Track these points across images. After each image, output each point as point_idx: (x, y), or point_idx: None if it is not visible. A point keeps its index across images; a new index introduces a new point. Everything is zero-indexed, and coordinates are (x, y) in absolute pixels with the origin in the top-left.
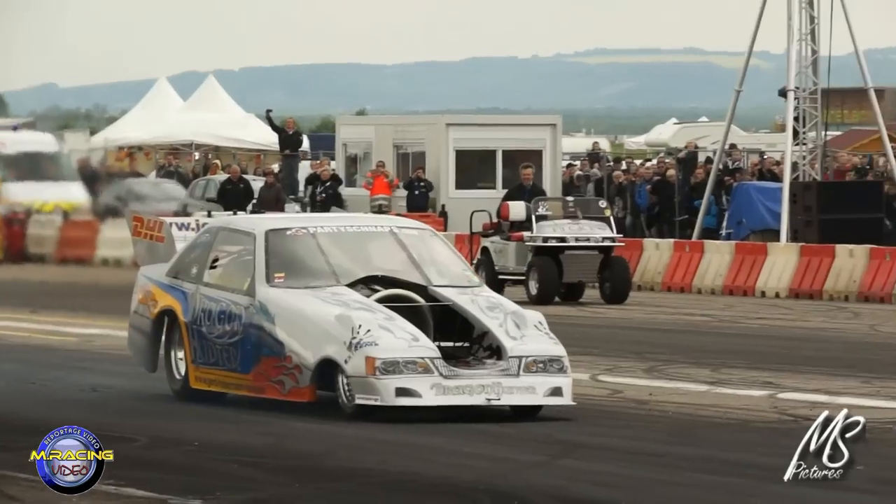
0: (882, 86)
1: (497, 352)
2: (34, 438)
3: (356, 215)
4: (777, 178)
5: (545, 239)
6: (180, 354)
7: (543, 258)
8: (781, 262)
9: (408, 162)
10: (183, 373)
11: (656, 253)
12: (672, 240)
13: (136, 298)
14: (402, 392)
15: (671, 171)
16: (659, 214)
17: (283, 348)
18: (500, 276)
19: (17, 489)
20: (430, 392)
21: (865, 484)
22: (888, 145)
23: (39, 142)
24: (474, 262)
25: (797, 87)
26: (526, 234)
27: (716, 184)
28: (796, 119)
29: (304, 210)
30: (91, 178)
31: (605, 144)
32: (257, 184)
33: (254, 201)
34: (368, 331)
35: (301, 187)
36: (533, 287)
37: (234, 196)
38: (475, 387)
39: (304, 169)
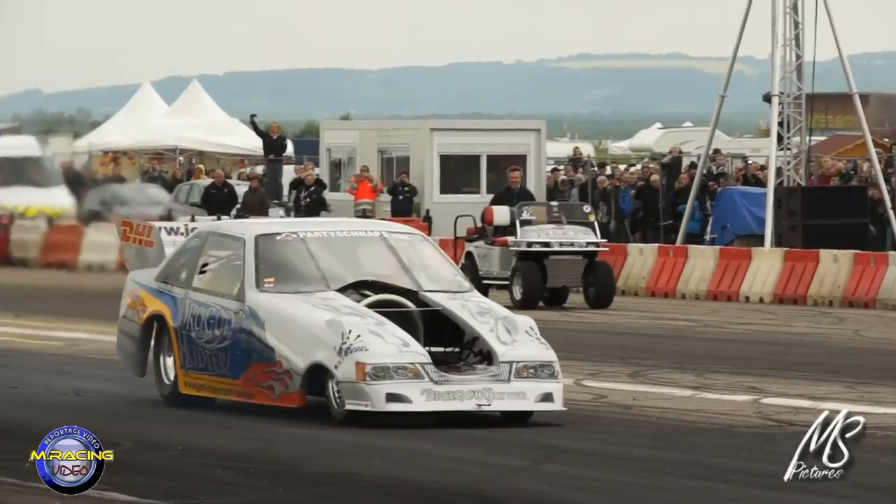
0: (866, 91)
1: (488, 357)
2: (16, 443)
3: (346, 220)
4: (761, 183)
5: (529, 244)
6: (170, 360)
7: (528, 263)
8: (766, 267)
9: (392, 167)
10: (172, 378)
11: (640, 258)
12: (656, 245)
13: (125, 303)
14: (392, 398)
15: (655, 177)
16: (643, 219)
17: (272, 353)
18: (485, 281)
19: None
20: (420, 398)
21: (846, 489)
22: (872, 150)
23: (23, 146)
24: (458, 266)
25: (781, 93)
26: (510, 238)
27: (700, 189)
28: (780, 124)
29: (287, 215)
30: (75, 182)
31: (589, 149)
32: (241, 188)
33: (238, 206)
34: (359, 336)
35: (285, 192)
36: (517, 292)
37: (218, 200)
38: (466, 392)
39: (289, 174)
